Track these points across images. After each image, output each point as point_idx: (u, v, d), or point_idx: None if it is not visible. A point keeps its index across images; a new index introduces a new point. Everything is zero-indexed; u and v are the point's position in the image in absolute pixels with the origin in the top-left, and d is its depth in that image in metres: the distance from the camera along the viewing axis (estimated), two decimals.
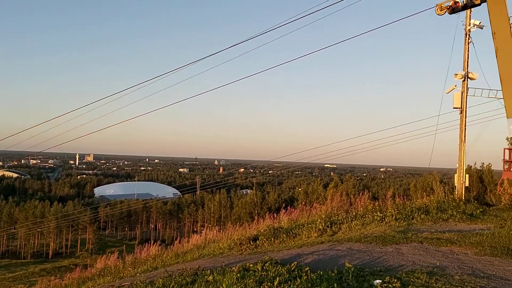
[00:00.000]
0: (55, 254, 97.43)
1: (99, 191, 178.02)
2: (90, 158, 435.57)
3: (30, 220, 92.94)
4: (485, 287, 6.62)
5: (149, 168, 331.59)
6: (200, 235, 21.80)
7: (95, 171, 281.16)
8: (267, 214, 21.14)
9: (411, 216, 14.43)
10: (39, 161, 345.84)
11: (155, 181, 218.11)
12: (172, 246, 20.71)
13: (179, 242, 21.03)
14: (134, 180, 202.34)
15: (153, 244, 21.01)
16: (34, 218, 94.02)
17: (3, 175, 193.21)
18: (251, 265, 7.80)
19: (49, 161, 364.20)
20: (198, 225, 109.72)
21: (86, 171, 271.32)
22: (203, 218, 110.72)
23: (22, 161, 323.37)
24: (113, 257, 20.39)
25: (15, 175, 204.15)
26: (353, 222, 14.15)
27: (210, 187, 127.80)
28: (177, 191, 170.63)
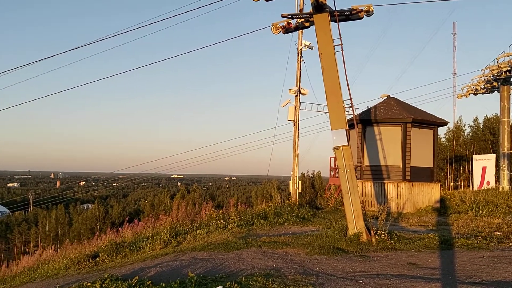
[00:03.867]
0: None
1: None
2: None
3: None
4: (314, 283, 7.29)
5: None
6: (33, 256, 19.96)
7: None
8: (109, 229, 20.24)
9: (251, 222, 15.16)
10: None
11: None
12: None
13: (7, 265, 18.92)
14: None
15: None
16: None
17: None
18: (89, 284, 7.38)
19: None
20: (31, 245, 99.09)
21: None
22: (37, 237, 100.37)
23: None
24: None
25: None
26: (197, 231, 14.31)
27: (45, 202, 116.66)
28: (5, 209, 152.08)
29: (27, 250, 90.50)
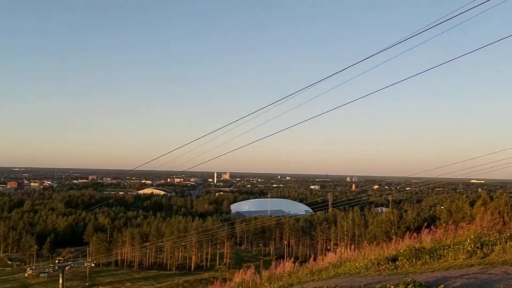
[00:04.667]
0: (197, 267, 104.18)
1: (235, 207, 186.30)
2: (226, 176, 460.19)
3: (175, 234, 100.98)
4: None
5: (281, 185, 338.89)
6: (335, 253, 21.35)
7: (231, 188, 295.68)
8: (406, 233, 19.94)
9: None
10: (182, 180, 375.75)
11: (287, 198, 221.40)
12: (306, 263, 20.56)
13: (314, 259, 20.80)
14: (267, 197, 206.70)
15: (287, 261, 21.05)
16: (178, 232, 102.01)
17: (152, 193, 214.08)
18: (392, 286, 7.33)
19: (191, 179, 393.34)
20: (331, 243, 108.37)
21: (223, 189, 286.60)
22: (336, 236, 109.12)
23: (168, 180, 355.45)
24: (250, 272, 20.88)
25: (162, 192, 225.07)
26: (508, 244, 12.56)
27: (342, 204, 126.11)
28: (308, 208, 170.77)
29: (328, 247, 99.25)
